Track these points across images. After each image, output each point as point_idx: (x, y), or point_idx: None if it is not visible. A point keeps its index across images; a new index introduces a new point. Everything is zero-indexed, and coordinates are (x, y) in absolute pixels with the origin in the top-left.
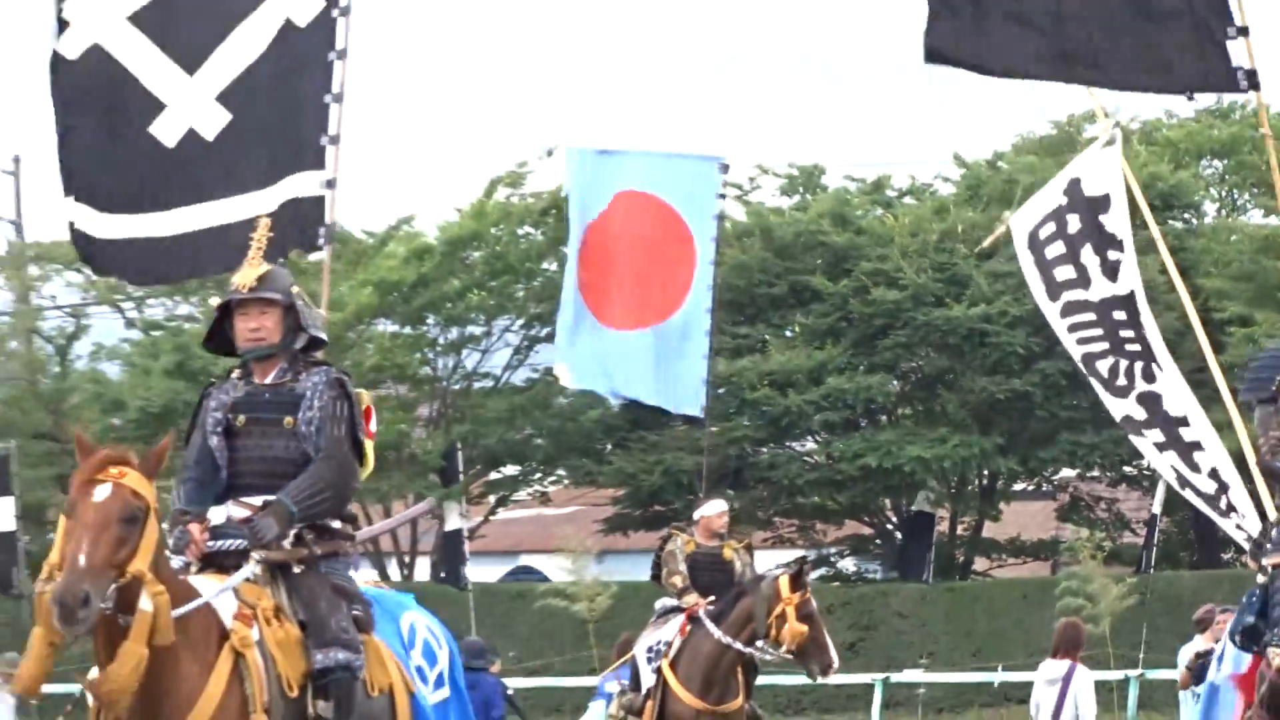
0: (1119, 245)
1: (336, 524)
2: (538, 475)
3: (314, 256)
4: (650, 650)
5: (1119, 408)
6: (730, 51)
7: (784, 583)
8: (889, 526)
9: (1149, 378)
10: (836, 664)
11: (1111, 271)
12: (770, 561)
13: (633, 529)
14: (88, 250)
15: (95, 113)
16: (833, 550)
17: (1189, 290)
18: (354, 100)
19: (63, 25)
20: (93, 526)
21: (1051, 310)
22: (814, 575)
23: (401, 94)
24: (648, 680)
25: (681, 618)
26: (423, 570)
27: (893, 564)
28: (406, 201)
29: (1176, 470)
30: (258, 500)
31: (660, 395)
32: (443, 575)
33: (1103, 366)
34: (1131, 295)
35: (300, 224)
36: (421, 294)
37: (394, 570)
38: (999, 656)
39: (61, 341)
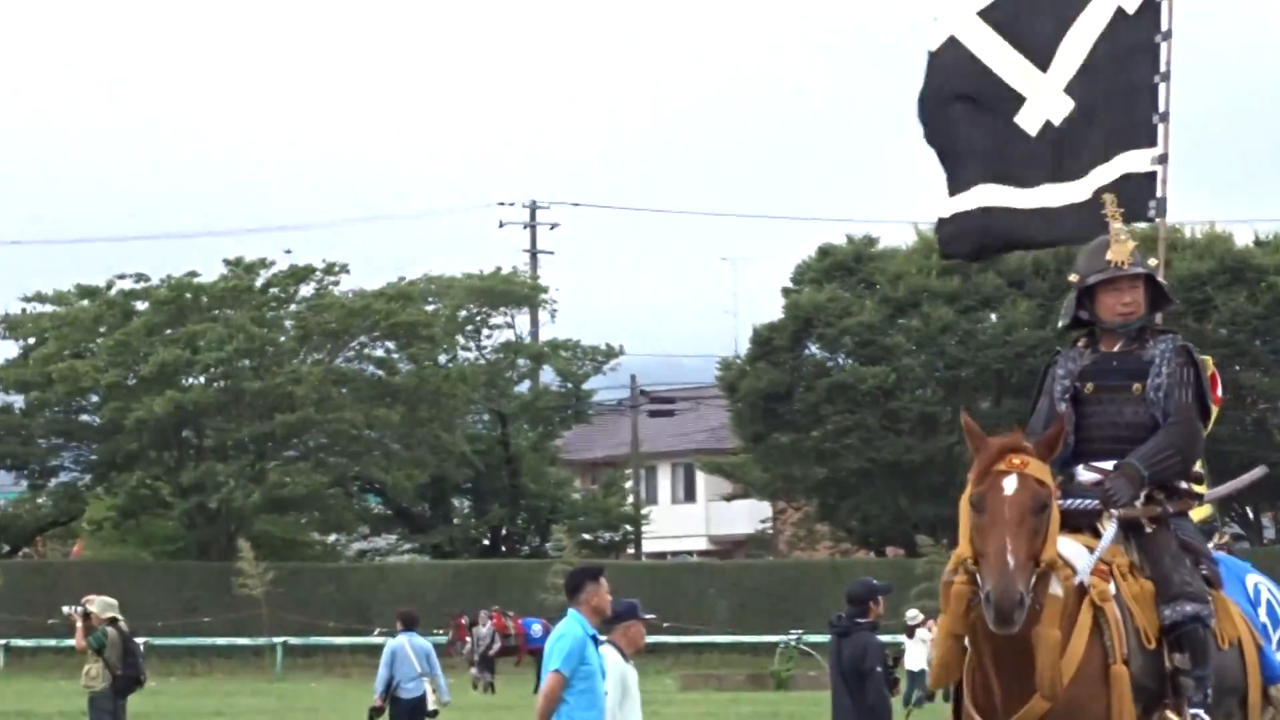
0: None
1: (1184, 484)
2: None
3: (1141, 226)
4: None
5: None
6: None
7: None
8: None
9: None
10: None
11: None
12: None
13: None
14: (939, 233)
15: (953, 101)
16: None
17: None
18: None
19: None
20: (1011, 524)
21: None
22: None
23: None
24: None
25: None
26: None
27: None
28: None
29: None
30: (1108, 465)
31: None
32: None
33: None
34: None
35: (1130, 197)
36: None
37: None
38: None
39: None
